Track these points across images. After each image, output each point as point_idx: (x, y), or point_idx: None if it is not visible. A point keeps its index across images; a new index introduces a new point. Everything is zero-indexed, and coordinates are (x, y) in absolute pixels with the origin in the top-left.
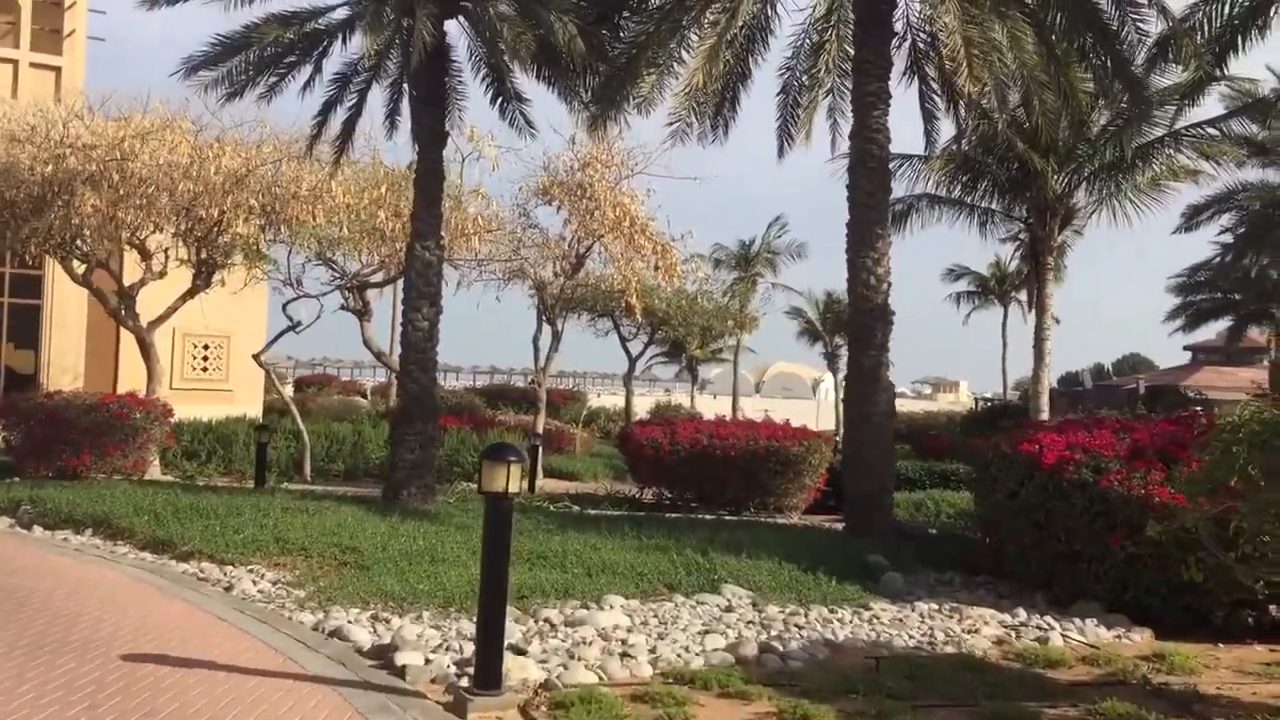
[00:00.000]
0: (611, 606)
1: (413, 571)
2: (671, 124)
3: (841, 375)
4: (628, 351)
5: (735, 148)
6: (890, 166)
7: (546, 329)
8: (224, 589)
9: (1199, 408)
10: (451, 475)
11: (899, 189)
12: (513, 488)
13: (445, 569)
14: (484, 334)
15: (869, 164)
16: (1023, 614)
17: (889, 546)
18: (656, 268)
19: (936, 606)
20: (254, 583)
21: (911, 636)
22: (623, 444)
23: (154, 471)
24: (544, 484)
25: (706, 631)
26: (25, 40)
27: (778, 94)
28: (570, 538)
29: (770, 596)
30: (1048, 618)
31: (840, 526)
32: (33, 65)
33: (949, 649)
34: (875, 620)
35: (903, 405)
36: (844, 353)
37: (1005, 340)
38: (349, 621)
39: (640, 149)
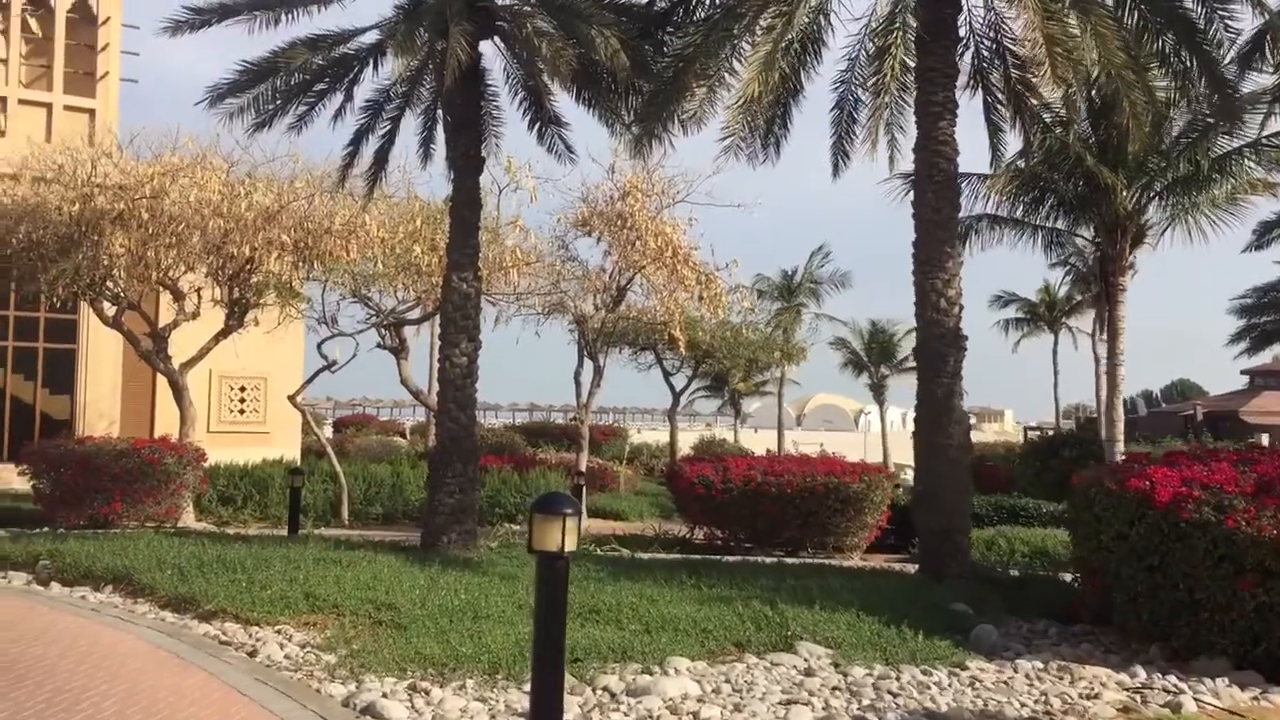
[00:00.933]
0: (677, 671)
1: (454, 631)
2: (724, 139)
3: (889, 407)
4: (671, 386)
5: (777, 174)
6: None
7: (588, 364)
8: (248, 654)
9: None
10: (493, 517)
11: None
12: (569, 545)
13: (490, 627)
14: (522, 370)
15: (936, 178)
16: (1142, 673)
17: (970, 592)
18: (700, 299)
19: (1041, 665)
20: (281, 646)
21: (1024, 704)
22: (671, 482)
23: (188, 518)
24: (589, 524)
25: (789, 701)
26: (59, 83)
27: (832, 109)
28: (623, 587)
29: (852, 655)
30: (1171, 677)
31: (909, 568)
32: (66, 108)
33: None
34: (977, 683)
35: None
36: (891, 384)
37: (1056, 367)
38: (384, 695)
39: (682, 176)
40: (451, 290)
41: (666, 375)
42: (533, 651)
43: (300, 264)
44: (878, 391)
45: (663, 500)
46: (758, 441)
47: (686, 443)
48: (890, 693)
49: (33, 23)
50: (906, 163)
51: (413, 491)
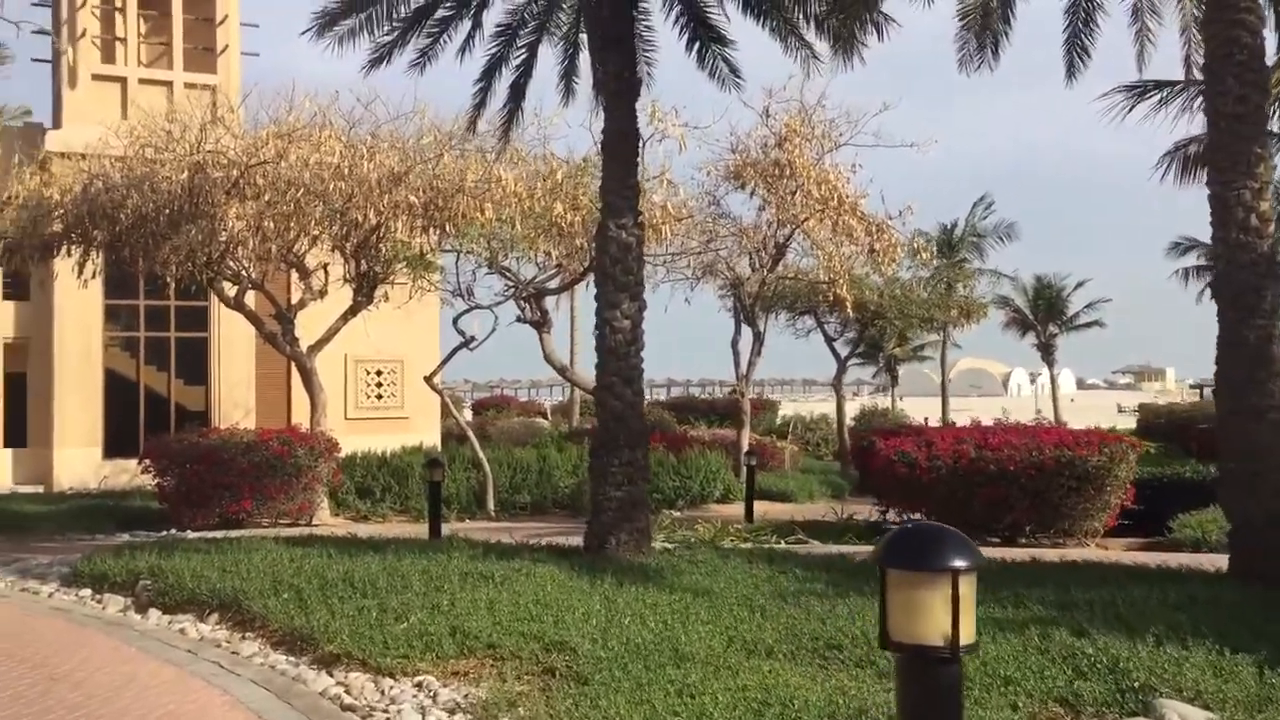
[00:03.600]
0: None
1: (654, 684)
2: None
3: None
4: (835, 352)
5: (933, 114)
6: (1157, 97)
7: (746, 331)
8: None
9: None
10: (649, 503)
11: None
12: (966, 631)
13: (702, 677)
14: (660, 342)
15: (1237, 57)
16: None
17: None
18: (872, 251)
19: None
20: (422, 710)
21: None
22: (862, 460)
23: (323, 514)
24: (760, 509)
25: None
26: (178, 60)
27: None
28: (855, 604)
29: None
30: None
31: (1193, 562)
32: (187, 85)
33: None
34: None
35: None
36: (1059, 343)
37: None
38: None
39: (844, 117)
40: (608, 241)
41: (829, 340)
42: None
43: (431, 229)
44: (1046, 351)
45: (832, 479)
46: (913, 410)
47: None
48: None
49: None
50: (1164, 54)
51: (561, 477)
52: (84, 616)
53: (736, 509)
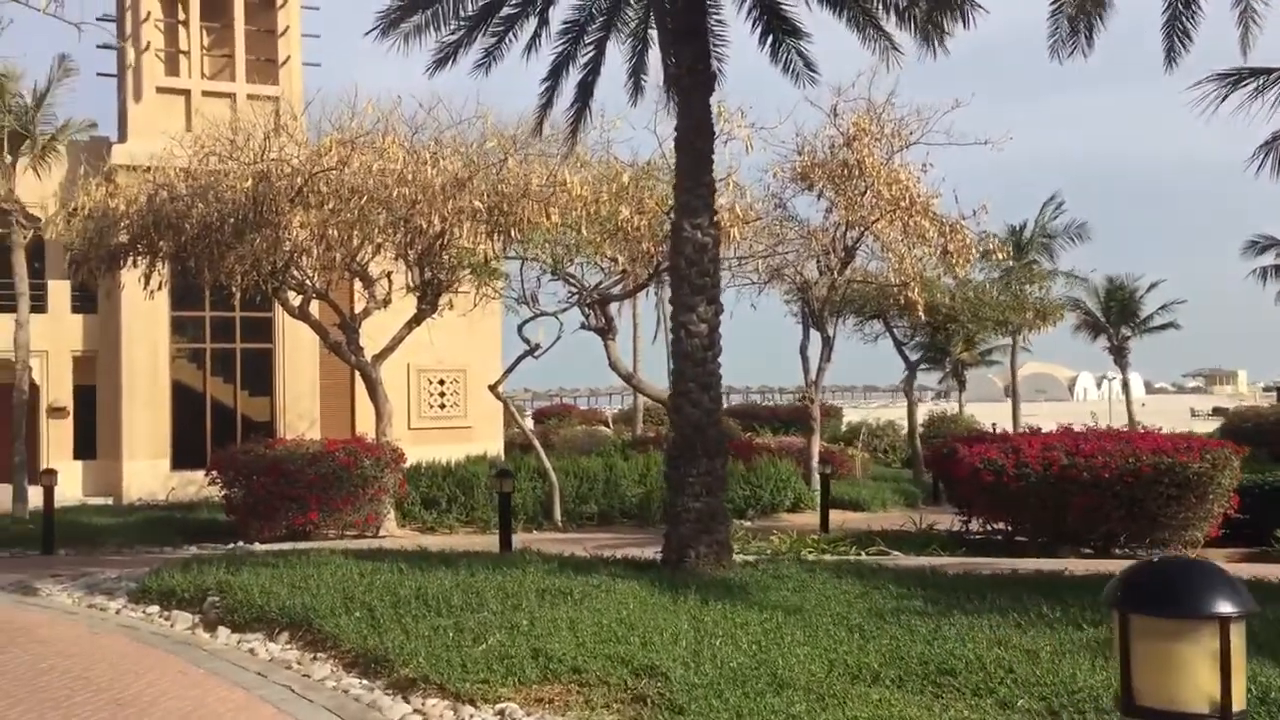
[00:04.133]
0: None
1: (755, 714)
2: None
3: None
4: (905, 357)
5: (1010, 113)
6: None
7: (815, 336)
8: None
9: None
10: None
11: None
12: (1237, 700)
13: (804, 704)
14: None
15: None
16: None
17: None
18: (945, 252)
19: None
20: None
21: None
22: (944, 467)
23: (390, 525)
24: (832, 518)
25: None
26: (241, 72)
27: None
28: (960, 623)
29: None
30: None
31: None
32: (250, 97)
33: None
34: None
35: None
36: (1132, 345)
37: None
38: None
39: (914, 115)
40: (683, 241)
41: (899, 345)
42: None
43: (495, 234)
44: (1118, 355)
45: (904, 486)
46: (980, 415)
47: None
48: None
49: (212, 11)
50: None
51: (628, 487)
52: (151, 635)
53: (809, 519)
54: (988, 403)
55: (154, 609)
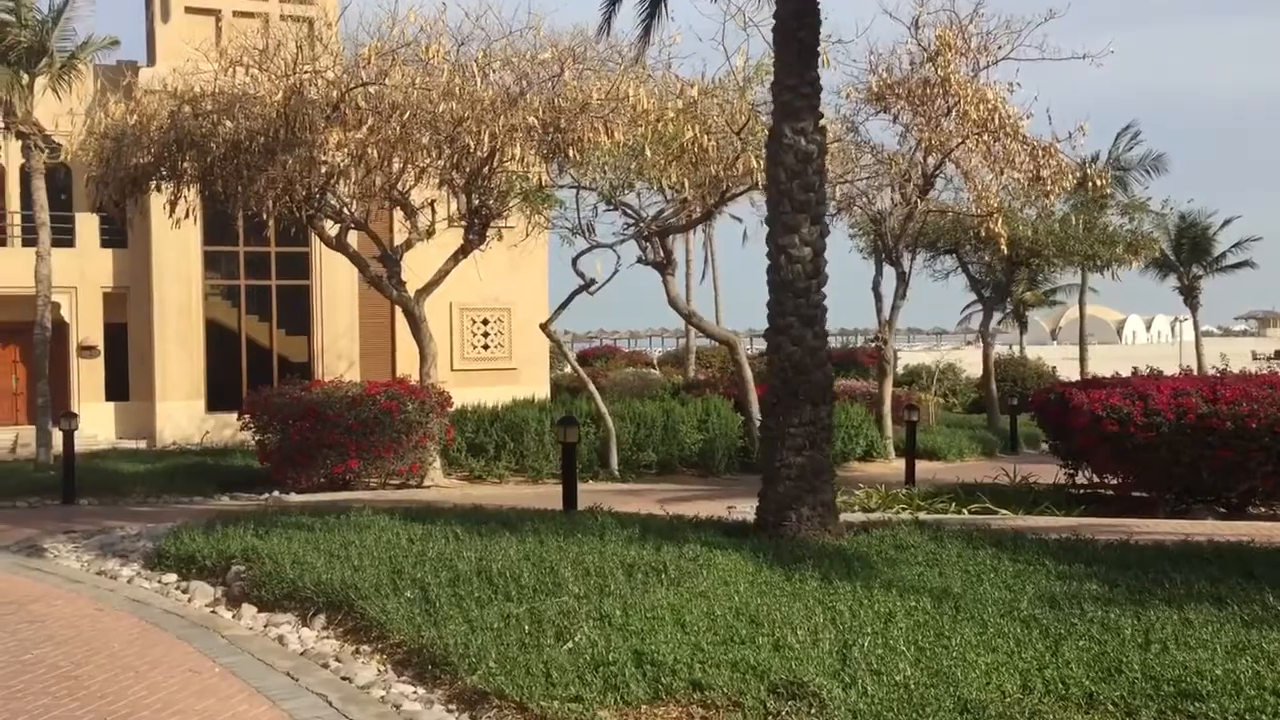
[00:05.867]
0: None
1: None
2: None
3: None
4: (982, 295)
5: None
6: None
7: (888, 271)
8: None
9: None
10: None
11: None
12: None
13: None
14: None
15: None
16: None
17: None
18: (1038, 178)
19: None
20: None
21: None
22: (1051, 415)
23: (435, 475)
24: (896, 465)
25: None
26: None
27: None
28: (1169, 619)
29: None
30: None
31: None
32: (283, 18)
33: None
34: None
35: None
36: (1204, 284)
37: None
38: None
39: (1004, 28)
40: (783, 149)
41: (976, 282)
42: None
43: (551, 155)
44: (1189, 295)
45: (980, 433)
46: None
47: (970, 364)
48: None
49: None
50: None
51: (686, 433)
52: (164, 614)
53: (884, 468)
54: (1035, 346)
55: (171, 578)
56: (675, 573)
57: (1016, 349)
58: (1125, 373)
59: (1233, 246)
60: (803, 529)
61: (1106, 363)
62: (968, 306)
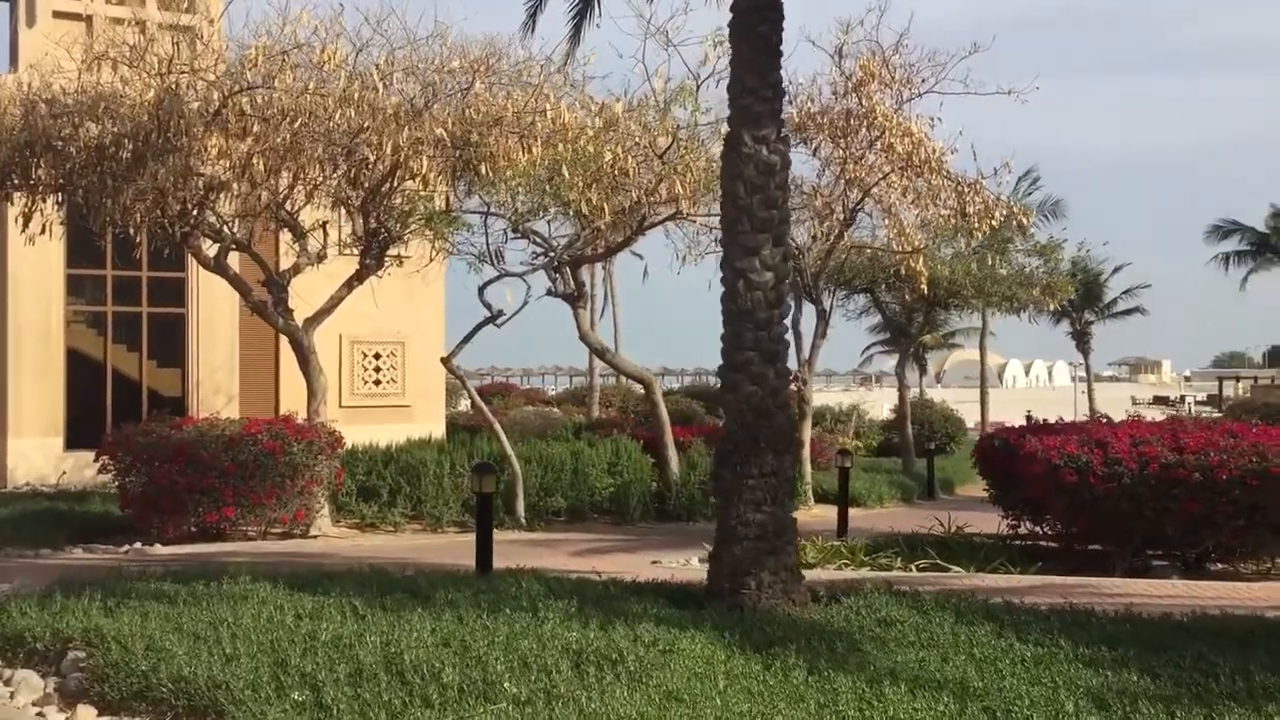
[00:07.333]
0: None
1: None
2: None
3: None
4: (904, 334)
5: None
6: None
7: (808, 309)
8: None
9: None
10: (709, 510)
11: None
12: None
13: None
14: (661, 328)
15: None
16: None
17: None
18: (964, 215)
19: None
20: None
21: None
22: (997, 462)
23: (323, 523)
24: (824, 514)
25: None
26: None
27: None
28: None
29: None
30: None
31: None
32: (163, 27)
33: None
34: None
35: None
36: (1095, 330)
37: None
38: None
39: (928, 60)
40: (742, 160)
41: (891, 322)
42: None
43: (461, 172)
44: (1081, 340)
45: (896, 478)
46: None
47: (871, 405)
48: None
49: None
50: None
51: (597, 477)
52: None
53: (808, 515)
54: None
55: None
56: (635, 665)
57: (915, 391)
58: (1017, 416)
59: (1123, 293)
60: (764, 598)
61: (997, 406)
62: (868, 347)
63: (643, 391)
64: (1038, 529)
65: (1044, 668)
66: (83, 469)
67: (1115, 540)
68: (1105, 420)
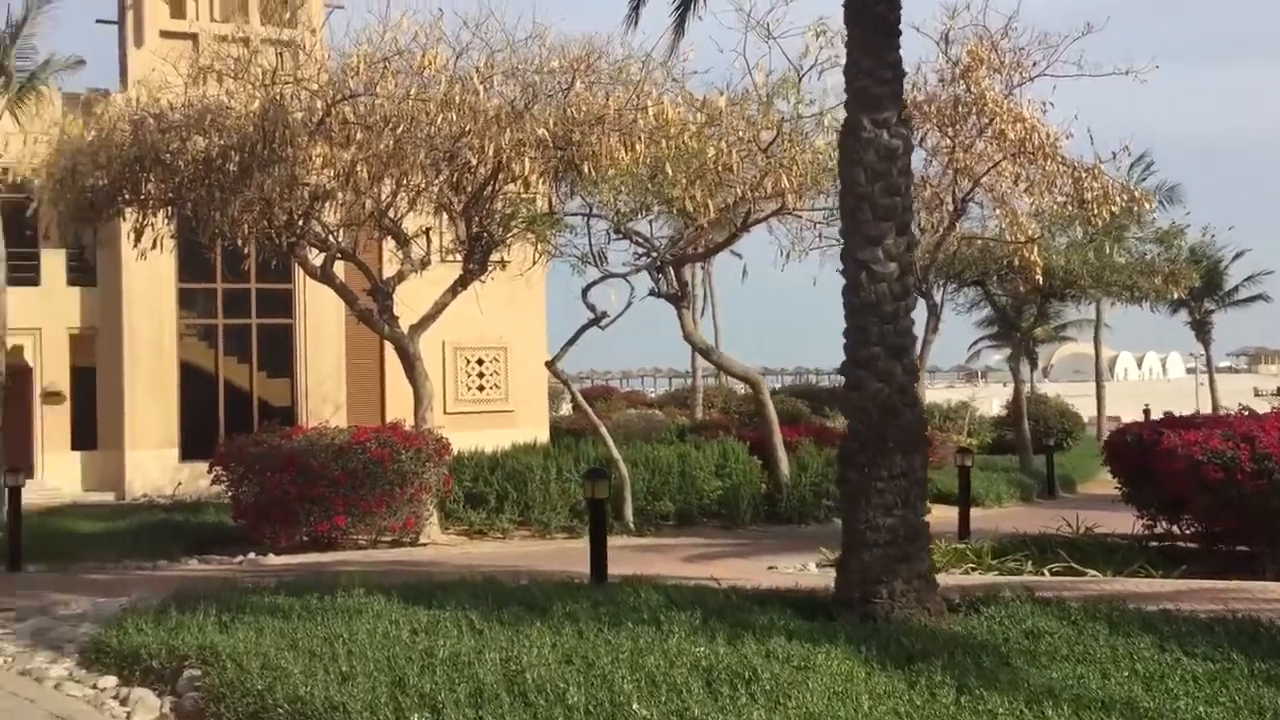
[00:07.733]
0: None
1: None
2: None
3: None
4: (1015, 328)
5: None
6: None
7: (919, 304)
8: None
9: None
10: (820, 512)
11: None
12: None
13: None
14: (759, 326)
15: None
16: None
17: None
18: (1083, 203)
19: None
20: None
21: None
22: (1130, 459)
23: (432, 531)
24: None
25: None
26: (254, 13)
27: None
28: None
29: None
30: None
31: None
32: (265, 41)
33: None
34: None
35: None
36: (1216, 318)
37: None
38: None
39: (1039, 42)
40: (862, 145)
41: (1003, 315)
42: None
43: (564, 173)
44: (1201, 330)
45: (1014, 476)
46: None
47: (981, 401)
48: None
49: None
50: None
51: (704, 479)
52: None
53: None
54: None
55: (109, 682)
56: (770, 683)
57: (1026, 386)
58: (1132, 410)
59: (1245, 280)
60: (897, 607)
61: (1112, 400)
62: (976, 341)
63: (745, 392)
64: (1175, 529)
65: (1219, 686)
66: (197, 479)
67: (1265, 540)
68: (1249, 413)
